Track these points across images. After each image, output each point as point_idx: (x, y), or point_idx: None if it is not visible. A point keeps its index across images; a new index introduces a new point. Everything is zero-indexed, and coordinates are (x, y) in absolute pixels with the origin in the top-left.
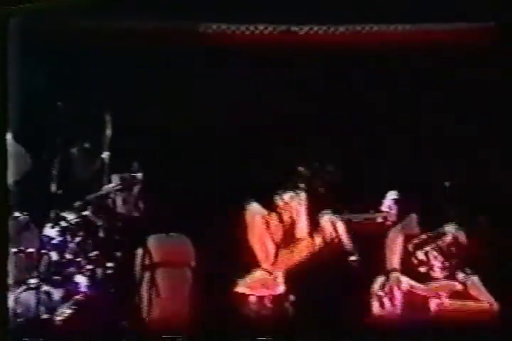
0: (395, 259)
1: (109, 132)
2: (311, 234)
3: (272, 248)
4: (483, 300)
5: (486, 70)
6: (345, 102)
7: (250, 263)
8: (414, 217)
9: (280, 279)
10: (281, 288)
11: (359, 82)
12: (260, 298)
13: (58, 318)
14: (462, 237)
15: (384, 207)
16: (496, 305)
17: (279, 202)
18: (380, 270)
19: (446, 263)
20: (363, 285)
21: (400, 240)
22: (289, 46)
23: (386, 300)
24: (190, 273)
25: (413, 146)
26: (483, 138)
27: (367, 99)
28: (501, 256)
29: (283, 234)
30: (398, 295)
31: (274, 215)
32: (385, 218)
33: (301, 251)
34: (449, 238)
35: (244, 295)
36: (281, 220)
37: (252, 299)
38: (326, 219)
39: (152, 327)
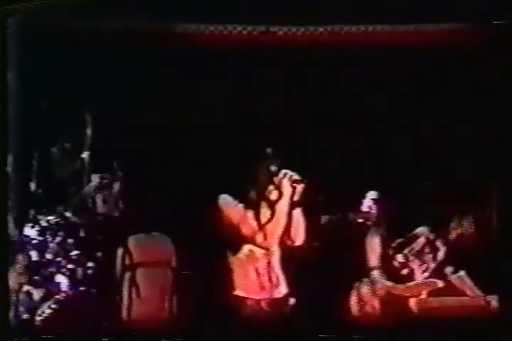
0: (374, 259)
1: (89, 132)
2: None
3: (255, 225)
4: (470, 294)
5: (483, 71)
6: (328, 103)
7: (239, 241)
8: None
9: (276, 253)
10: (281, 291)
11: (343, 82)
12: (257, 301)
13: (39, 318)
14: (435, 238)
15: (364, 207)
16: (483, 299)
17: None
18: (361, 270)
19: (425, 265)
20: (345, 285)
21: (377, 240)
22: (268, 46)
23: (368, 301)
24: (171, 272)
25: (395, 146)
26: (479, 138)
27: (352, 99)
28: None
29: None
30: (378, 295)
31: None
32: (365, 218)
33: (279, 218)
34: (422, 240)
35: (241, 298)
36: (257, 216)
37: (249, 302)
38: (287, 177)
39: (132, 327)
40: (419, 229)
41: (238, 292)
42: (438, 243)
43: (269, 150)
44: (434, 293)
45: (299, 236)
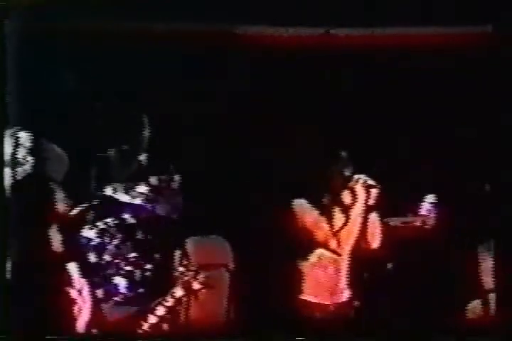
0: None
1: (146, 133)
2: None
3: (329, 230)
4: None
5: (484, 74)
6: (386, 104)
7: (311, 246)
8: None
9: (348, 258)
10: (346, 295)
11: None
12: (324, 306)
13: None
14: None
15: (423, 211)
16: None
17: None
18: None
19: None
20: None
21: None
22: (329, 48)
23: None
24: (228, 275)
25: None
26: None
27: (407, 101)
28: None
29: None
30: None
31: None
32: (423, 222)
33: (353, 223)
34: None
35: (307, 302)
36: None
37: (316, 306)
38: (361, 182)
39: (189, 329)
40: None
41: (306, 296)
42: None
43: (343, 154)
44: None
45: (375, 240)
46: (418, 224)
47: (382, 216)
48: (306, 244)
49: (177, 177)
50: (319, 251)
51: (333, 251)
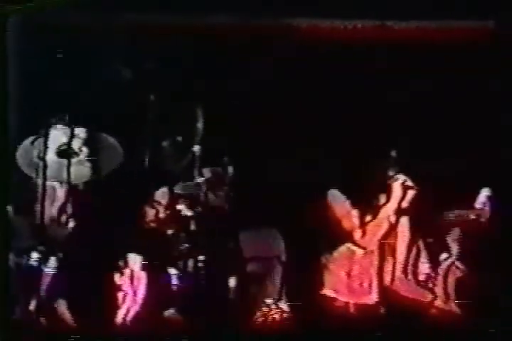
0: None
1: (200, 126)
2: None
3: (357, 224)
4: None
5: (484, 69)
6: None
7: (339, 237)
8: None
9: (374, 253)
10: (372, 297)
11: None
12: (346, 304)
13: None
14: None
15: (478, 204)
16: None
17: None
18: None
19: None
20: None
21: None
22: (384, 41)
23: None
24: (280, 267)
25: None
26: None
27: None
28: None
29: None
30: None
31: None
32: (478, 215)
33: (383, 219)
34: None
35: (329, 298)
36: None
37: (338, 303)
38: (399, 181)
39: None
40: None
41: (327, 291)
42: None
43: (393, 153)
44: None
45: (400, 249)
46: (473, 217)
47: (437, 210)
48: (335, 234)
49: (230, 169)
50: (346, 245)
51: (359, 245)
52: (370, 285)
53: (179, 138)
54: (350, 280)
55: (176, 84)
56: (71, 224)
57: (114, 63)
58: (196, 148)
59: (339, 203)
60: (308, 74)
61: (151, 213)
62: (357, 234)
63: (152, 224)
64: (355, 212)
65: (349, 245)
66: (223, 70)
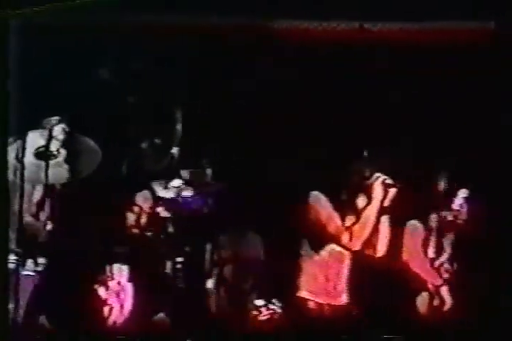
0: None
1: (179, 128)
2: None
3: (341, 225)
4: None
5: (485, 70)
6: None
7: (323, 239)
8: None
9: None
10: (343, 298)
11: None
12: (320, 305)
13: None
14: None
15: (455, 206)
16: None
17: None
18: None
19: None
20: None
21: None
22: (363, 43)
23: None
24: (259, 269)
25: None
26: None
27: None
28: None
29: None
30: None
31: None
32: (455, 216)
33: (367, 219)
34: None
35: (305, 300)
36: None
37: (312, 305)
38: (379, 180)
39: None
40: None
41: (303, 293)
42: None
43: (365, 152)
44: None
45: (381, 247)
46: (450, 218)
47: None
48: (319, 236)
49: (209, 171)
50: (330, 246)
51: (344, 247)
52: (343, 287)
53: (158, 140)
54: (333, 282)
55: (155, 86)
56: (48, 227)
57: (91, 65)
58: (175, 150)
59: (322, 205)
60: (284, 75)
61: (131, 217)
62: (342, 236)
63: (133, 229)
64: (338, 214)
65: (334, 247)
66: (202, 72)
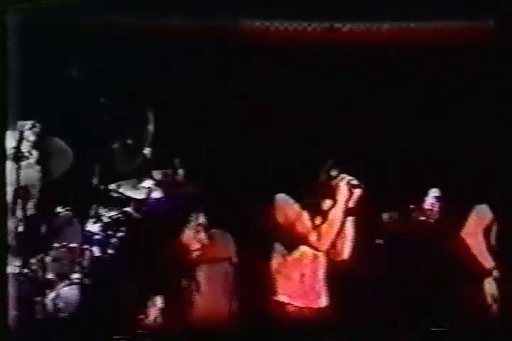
0: None
1: (151, 128)
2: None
3: (310, 226)
4: None
5: (485, 69)
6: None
7: (293, 240)
8: None
9: (324, 260)
10: (322, 301)
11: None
12: (299, 309)
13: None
14: None
15: (426, 205)
16: None
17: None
18: None
19: None
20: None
21: None
22: (332, 43)
23: None
24: (231, 268)
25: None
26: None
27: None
28: None
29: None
30: None
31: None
32: (427, 216)
33: (334, 220)
34: None
35: (283, 304)
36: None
37: (291, 309)
38: (345, 181)
39: (192, 322)
40: None
41: (281, 297)
42: None
43: (336, 153)
44: None
45: (345, 249)
46: (422, 218)
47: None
48: (289, 238)
49: (181, 172)
50: (301, 248)
51: (314, 247)
52: (320, 289)
53: (129, 141)
54: (305, 284)
55: (127, 86)
56: (20, 229)
57: (62, 65)
58: (147, 150)
59: (288, 206)
60: (255, 76)
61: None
62: (311, 237)
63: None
64: (305, 215)
65: (304, 248)
66: (174, 71)
